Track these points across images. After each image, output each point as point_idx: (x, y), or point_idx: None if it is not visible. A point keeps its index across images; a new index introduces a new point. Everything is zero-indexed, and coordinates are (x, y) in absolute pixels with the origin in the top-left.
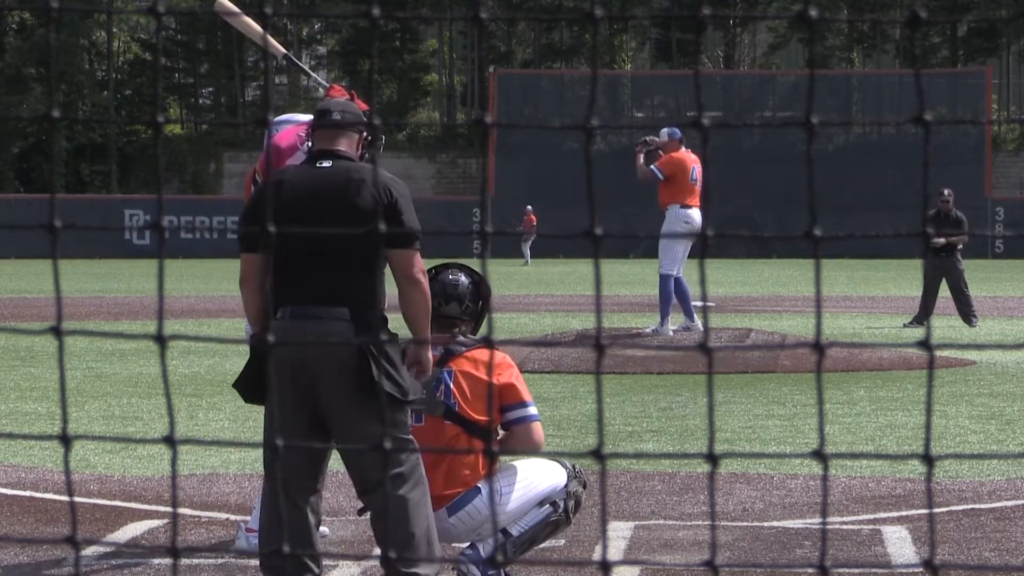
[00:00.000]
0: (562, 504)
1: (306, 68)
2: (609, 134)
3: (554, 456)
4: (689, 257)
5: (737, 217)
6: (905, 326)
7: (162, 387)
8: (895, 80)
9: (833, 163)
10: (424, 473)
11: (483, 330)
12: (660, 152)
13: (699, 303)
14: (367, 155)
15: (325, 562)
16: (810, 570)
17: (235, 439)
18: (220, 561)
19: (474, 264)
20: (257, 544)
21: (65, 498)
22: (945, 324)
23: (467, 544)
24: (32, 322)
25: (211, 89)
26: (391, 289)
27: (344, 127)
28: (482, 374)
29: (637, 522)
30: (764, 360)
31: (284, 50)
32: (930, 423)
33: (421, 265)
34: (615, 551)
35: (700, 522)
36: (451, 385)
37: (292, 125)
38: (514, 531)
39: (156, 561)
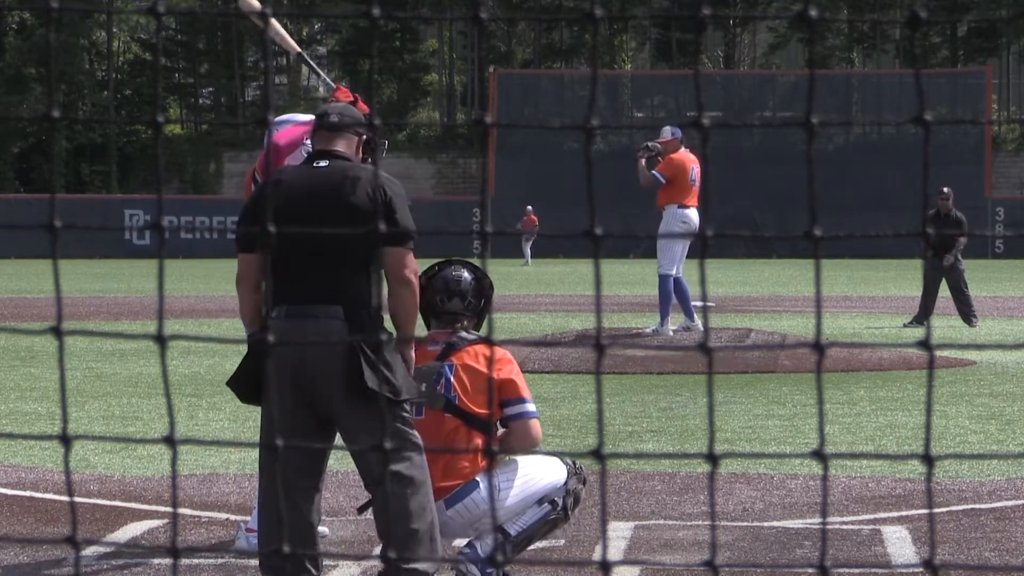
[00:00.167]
0: (561, 502)
1: (316, 68)
2: (609, 134)
3: (554, 454)
4: (689, 257)
5: (737, 217)
6: (905, 326)
7: (162, 387)
8: (895, 80)
9: (833, 163)
10: (428, 470)
11: (484, 328)
12: (659, 158)
13: (699, 303)
14: (369, 160)
15: (325, 562)
16: (810, 570)
17: (235, 439)
18: (220, 561)
19: (474, 263)
20: (257, 544)
21: (65, 498)
22: (945, 324)
23: (465, 543)
24: (32, 322)
25: (211, 89)
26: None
27: (342, 128)
28: (483, 368)
29: (637, 522)
30: (764, 360)
31: (298, 48)
32: (930, 423)
33: (414, 265)
34: (615, 551)
35: (700, 522)
36: (451, 379)
37: (291, 125)
38: (512, 530)
39: (156, 561)
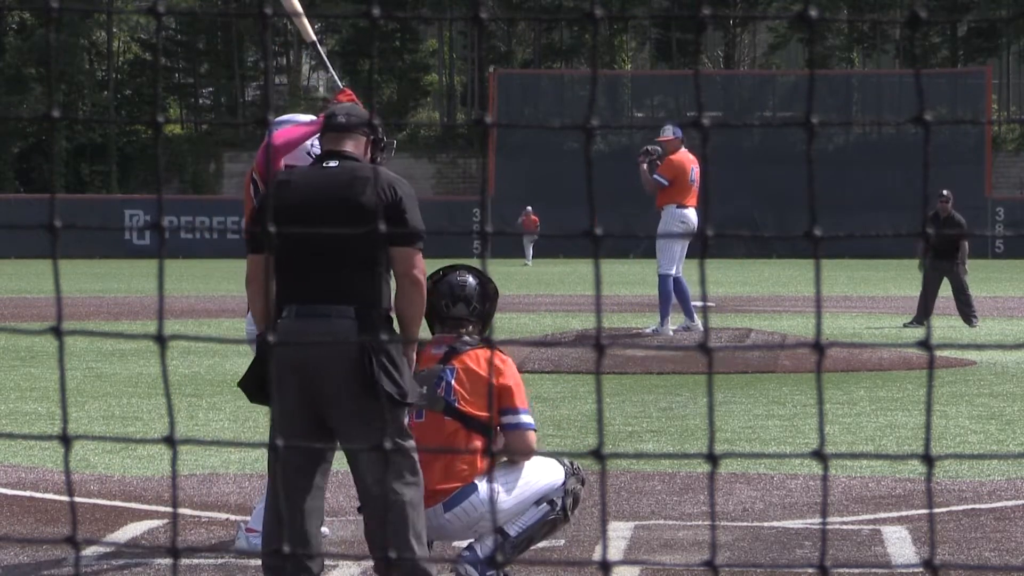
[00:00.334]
0: (560, 502)
1: (327, 60)
2: (609, 134)
3: (553, 455)
4: (689, 257)
5: (737, 217)
6: (905, 326)
7: (162, 387)
8: (895, 80)
9: (833, 163)
10: (421, 476)
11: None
12: (658, 162)
13: (699, 303)
14: (379, 160)
15: (325, 562)
16: (810, 570)
17: (235, 439)
18: (220, 561)
19: (474, 264)
20: (257, 544)
21: (65, 498)
22: (945, 324)
23: (465, 545)
24: (32, 322)
25: (211, 89)
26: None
27: (349, 129)
28: (485, 372)
29: (637, 522)
30: (764, 360)
31: (314, 36)
32: (930, 423)
33: (422, 265)
34: (615, 551)
35: (700, 522)
36: (452, 382)
37: (291, 125)
38: (511, 531)
39: (156, 561)
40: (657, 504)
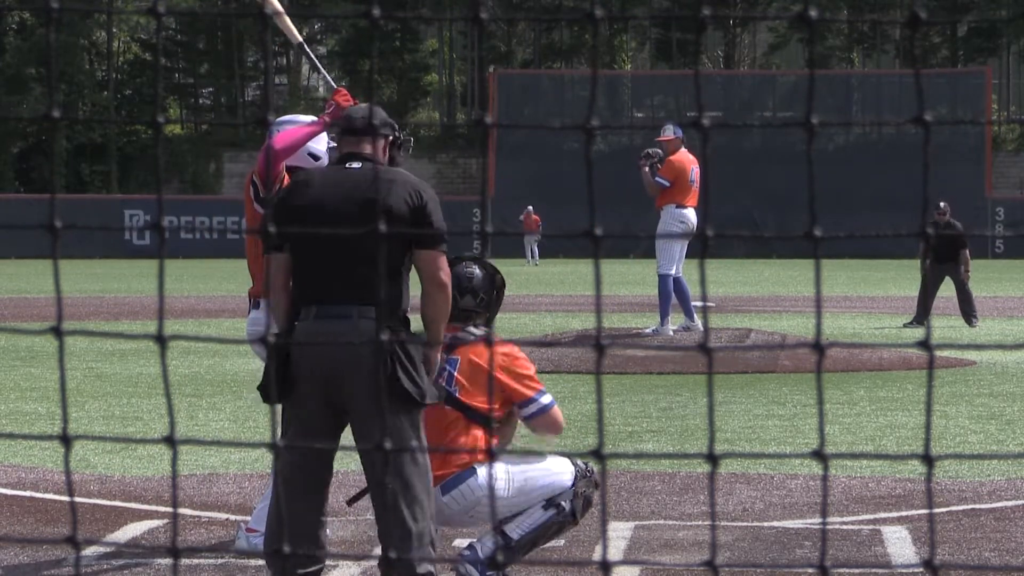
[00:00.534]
0: (569, 506)
1: (317, 62)
2: (609, 134)
3: (565, 455)
4: (689, 257)
5: (737, 217)
6: (905, 326)
7: (162, 387)
8: (895, 80)
9: (833, 163)
10: (431, 477)
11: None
12: (659, 164)
13: (699, 303)
14: (397, 159)
15: (326, 562)
16: (810, 570)
17: (235, 439)
18: (220, 561)
19: (485, 260)
20: (257, 544)
21: (65, 498)
22: (945, 324)
23: (466, 545)
24: (32, 322)
25: (211, 89)
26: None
27: (370, 133)
28: (482, 372)
29: (637, 522)
30: (764, 360)
31: (300, 38)
32: (930, 423)
33: (447, 268)
34: (615, 551)
35: (700, 522)
36: (455, 373)
37: (292, 126)
38: (514, 535)
39: (156, 561)
40: (657, 504)
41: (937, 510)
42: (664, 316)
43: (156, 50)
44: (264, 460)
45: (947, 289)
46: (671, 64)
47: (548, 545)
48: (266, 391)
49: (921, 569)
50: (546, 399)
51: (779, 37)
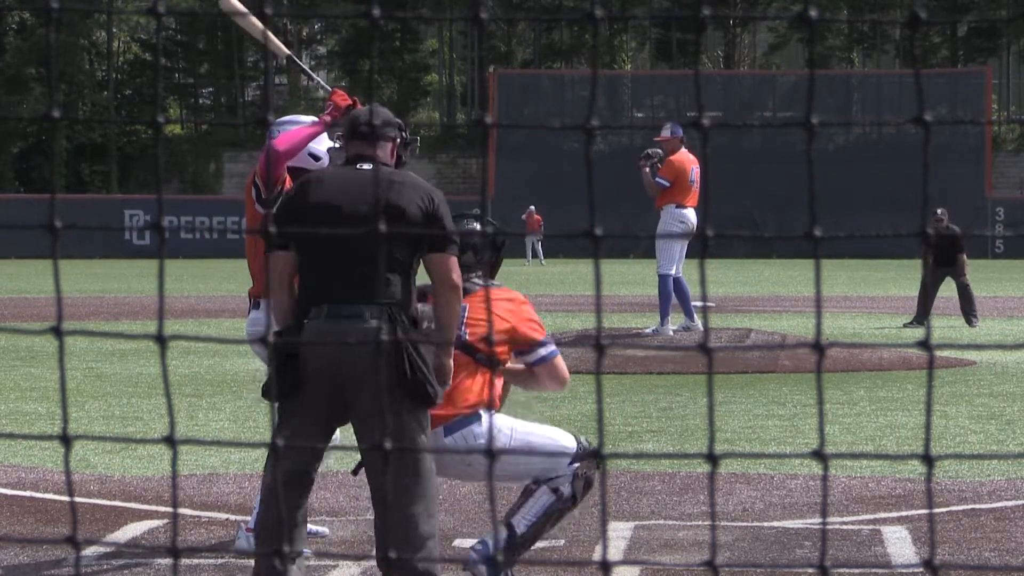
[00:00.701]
0: (569, 489)
1: (308, 70)
2: (609, 134)
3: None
4: (689, 257)
5: (737, 217)
6: (905, 326)
7: (162, 387)
8: (895, 80)
9: (833, 163)
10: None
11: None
12: (659, 165)
13: (699, 303)
14: (404, 159)
15: (325, 562)
16: (810, 570)
17: (235, 439)
18: (220, 561)
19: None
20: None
21: (65, 498)
22: (945, 324)
23: (476, 541)
24: (32, 322)
25: (211, 89)
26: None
27: (379, 136)
28: (494, 311)
29: (637, 522)
30: (764, 360)
31: (287, 51)
32: (930, 423)
33: (459, 270)
34: (615, 551)
35: (700, 522)
36: (465, 317)
37: (294, 127)
38: (520, 527)
39: (156, 561)
40: (657, 504)
41: (937, 510)
42: (664, 316)
43: (156, 50)
44: (264, 460)
45: (947, 289)
46: (671, 64)
47: (548, 545)
48: (268, 389)
49: (921, 569)
50: (548, 349)
51: (779, 37)
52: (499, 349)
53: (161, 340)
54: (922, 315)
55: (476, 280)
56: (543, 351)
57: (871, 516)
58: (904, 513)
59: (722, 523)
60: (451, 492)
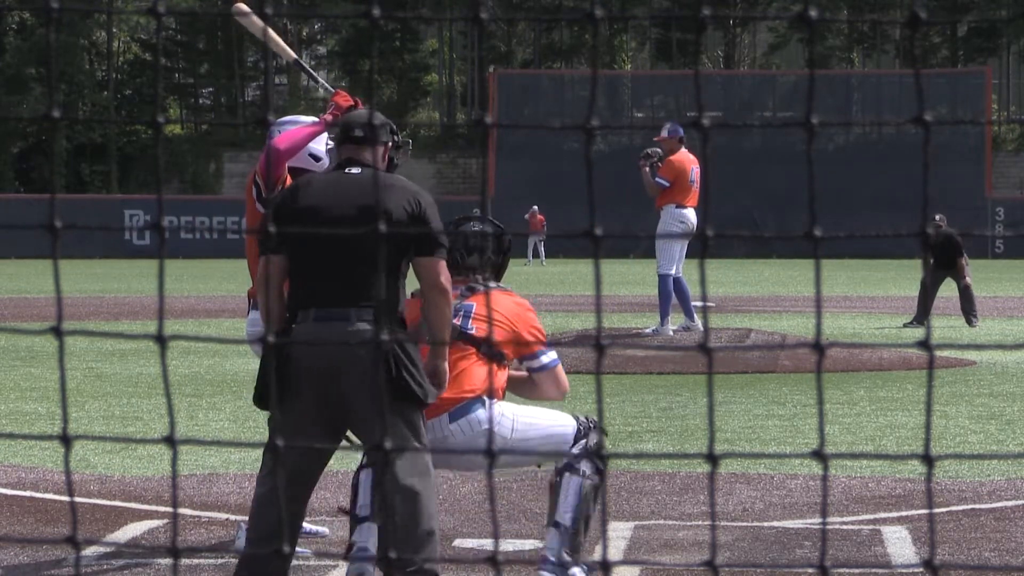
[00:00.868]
0: (588, 465)
1: (313, 73)
2: (609, 134)
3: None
4: (689, 257)
5: (737, 217)
6: (905, 326)
7: (162, 387)
8: (895, 80)
9: (833, 163)
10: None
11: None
12: (659, 164)
13: (699, 303)
14: (396, 161)
15: (325, 562)
16: (810, 570)
17: (235, 439)
18: (220, 561)
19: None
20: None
21: (65, 498)
22: (945, 324)
23: (540, 560)
24: (32, 322)
25: (211, 89)
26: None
27: (371, 142)
28: (499, 311)
29: (637, 522)
30: (764, 360)
31: (294, 55)
32: (930, 423)
33: (447, 274)
34: (615, 551)
35: (700, 522)
36: (472, 315)
37: (294, 127)
38: (566, 521)
39: (156, 561)
40: (657, 504)
41: (937, 510)
42: (664, 316)
43: (156, 50)
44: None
45: (947, 289)
46: (671, 64)
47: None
48: (259, 397)
49: (921, 569)
50: (549, 357)
51: (779, 37)
52: (503, 348)
53: (161, 340)
54: (922, 315)
55: (482, 283)
56: (545, 359)
57: (871, 516)
58: (904, 513)
59: (722, 523)
60: (451, 492)
